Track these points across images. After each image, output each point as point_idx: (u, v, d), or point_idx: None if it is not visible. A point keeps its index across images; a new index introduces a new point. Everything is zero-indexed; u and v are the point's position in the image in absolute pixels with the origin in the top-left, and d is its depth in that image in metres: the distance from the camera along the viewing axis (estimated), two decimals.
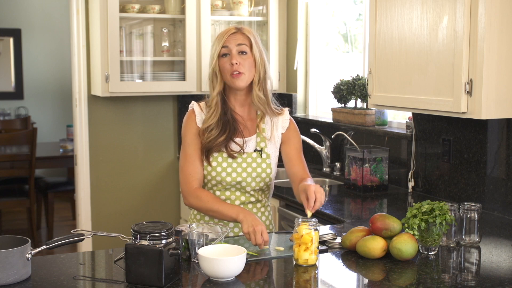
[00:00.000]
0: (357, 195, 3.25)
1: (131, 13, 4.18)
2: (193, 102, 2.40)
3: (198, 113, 2.35)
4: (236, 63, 2.26)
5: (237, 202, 2.35)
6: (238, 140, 2.34)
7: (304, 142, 3.86)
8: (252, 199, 2.37)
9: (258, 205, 2.41)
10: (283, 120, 2.41)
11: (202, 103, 2.38)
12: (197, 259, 1.89)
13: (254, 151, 2.35)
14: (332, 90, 3.80)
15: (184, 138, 2.35)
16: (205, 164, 2.33)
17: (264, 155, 2.36)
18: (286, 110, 2.44)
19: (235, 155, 2.32)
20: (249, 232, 2.08)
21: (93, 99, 4.36)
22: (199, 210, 2.32)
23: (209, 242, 1.98)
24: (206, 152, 2.32)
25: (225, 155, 2.32)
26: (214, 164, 2.32)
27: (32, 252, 1.83)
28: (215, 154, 2.32)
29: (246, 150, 2.35)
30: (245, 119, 2.38)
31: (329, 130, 3.85)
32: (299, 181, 2.33)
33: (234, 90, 2.34)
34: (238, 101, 2.36)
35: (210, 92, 2.35)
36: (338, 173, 3.75)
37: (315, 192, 2.09)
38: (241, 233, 2.38)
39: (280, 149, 2.43)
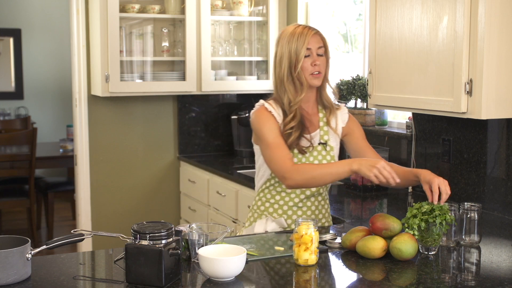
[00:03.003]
0: (357, 195, 3.25)
1: (131, 13, 4.18)
2: (261, 100, 2.42)
3: (273, 110, 2.37)
4: (318, 64, 2.34)
5: (302, 196, 2.42)
6: (306, 135, 2.39)
7: None
8: (316, 193, 2.43)
9: (319, 198, 2.47)
10: (342, 114, 2.50)
11: (271, 101, 2.41)
12: (197, 259, 1.89)
13: (319, 144, 2.41)
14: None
15: (262, 130, 2.35)
16: None
17: (328, 148, 2.42)
18: (343, 105, 2.54)
19: (305, 150, 2.37)
20: (375, 175, 2.11)
21: (93, 99, 4.36)
22: (307, 184, 2.29)
23: (209, 242, 1.98)
24: None
25: (295, 151, 2.37)
26: None
27: (32, 252, 1.82)
28: None
29: (306, 145, 2.39)
30: (310, 114, 2.44)
31: None
32: None
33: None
34: (304, 97, 2.40)
35: (290, 94, 2.36)
36: None
37: (439, 185, 2.13)
38: (244, 233, 2.40)
39: (344, 142, 2.51)
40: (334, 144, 2.46)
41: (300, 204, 2.43)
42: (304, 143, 2.38)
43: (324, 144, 2.42)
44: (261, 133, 2.35)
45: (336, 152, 2.46)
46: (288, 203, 2.42)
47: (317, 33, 2.37)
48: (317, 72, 2.35)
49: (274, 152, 2.31)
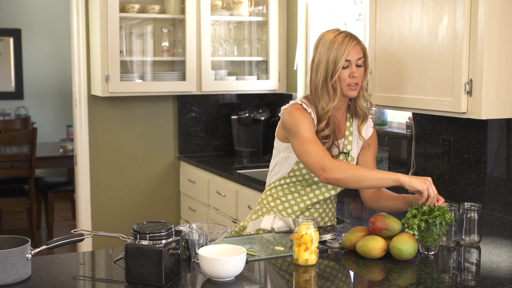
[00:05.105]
0: (357, 195, 3.23)
1: (131, 13, 4.18)
2: (297, 99, 2.40)
3: (310, 110, 2.34)
4: (356, 76, 2.30)
5: (315, 200, 2.42)
6: (335, 143, 2.38)
7: None
8: (327, 195, 2.43)
9: (328, 201, 2.47)
10: (367, 128, 2.47)
11: (305, 100, 2.37)
12: (197, 259, 1.89)
13: (341, 153, 2.39)
14: None
15: (298, 126, 2.29)
16: (298, 160, 2.35)
17: (349, 158, 2.41)
18: (370, 117, 2.49)
19: (333, 157, 2.34)
20: (428, 188, 2.06)
21: (93, 99, 4.37)
22: (345, 182, 2.21)
23: (209, 242, 1.98)
24: None
25: None
26: None
27: (32, 252, 1.83)
28: None
29: (336, 153, 2.38)
30: (339, 121, 2.42)
31: None
32: (375, 189, 2.42)
33: None
34: (337, 105, 2.38)
35: (323, 102, 2.33)
36: None
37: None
38: (249, 232, 2.40)
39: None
40: (355, 155, 2.44)
41: (310, 207, 2.43)
42: (334, 151, 2.37)
43: (346, 154, 2.41)
44: (297, 128, 2.29)
45: (355, 162, 2.44)
46: (299, 204, 2.42)
47: (358, 43, 2.31)
48: (354, 84, 2.31)
49: (311, 145, 2.25)
